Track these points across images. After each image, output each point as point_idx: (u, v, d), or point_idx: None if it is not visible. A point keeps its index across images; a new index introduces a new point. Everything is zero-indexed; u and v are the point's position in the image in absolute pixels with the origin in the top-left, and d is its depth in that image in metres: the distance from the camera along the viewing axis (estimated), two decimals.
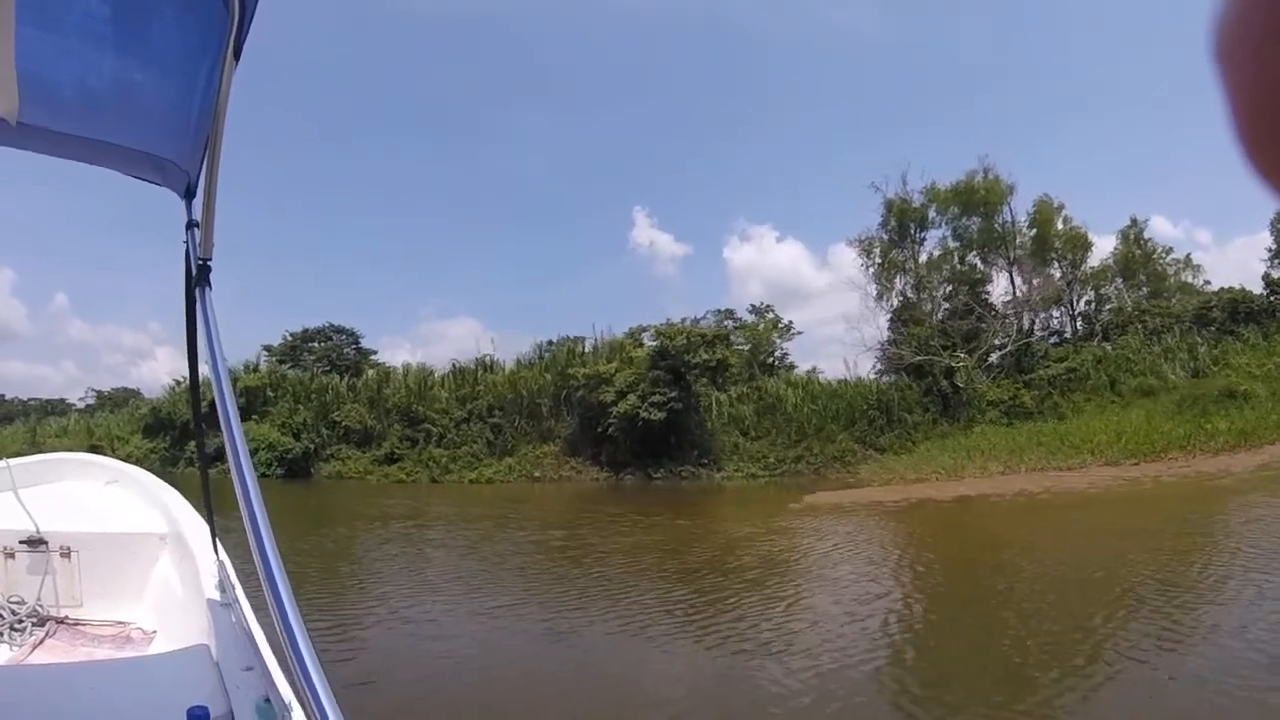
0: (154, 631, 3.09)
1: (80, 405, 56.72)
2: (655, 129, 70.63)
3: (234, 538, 2.49)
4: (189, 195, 2.35)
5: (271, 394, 33.65)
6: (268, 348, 37.20)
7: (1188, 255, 39.78)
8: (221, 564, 2.84)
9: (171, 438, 34.92)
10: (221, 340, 2.03)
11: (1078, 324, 37.16)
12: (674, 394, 27.14)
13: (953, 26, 63.12)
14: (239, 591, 2.67)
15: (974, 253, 35.42)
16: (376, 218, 69.16)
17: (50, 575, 3.33)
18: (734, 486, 25.50)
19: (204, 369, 2.22)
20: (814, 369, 34.85)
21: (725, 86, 70.94)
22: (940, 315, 34.64)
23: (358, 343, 37.90)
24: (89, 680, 2.29)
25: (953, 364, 31.30)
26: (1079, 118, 57.11)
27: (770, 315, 35.81)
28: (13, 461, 4.27)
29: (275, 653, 2.10)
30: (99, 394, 58.42)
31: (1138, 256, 38.18)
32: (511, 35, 73.94)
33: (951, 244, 35.07)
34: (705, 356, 27.55)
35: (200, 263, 2.15)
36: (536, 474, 27.97)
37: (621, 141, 70.73)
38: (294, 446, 31.25)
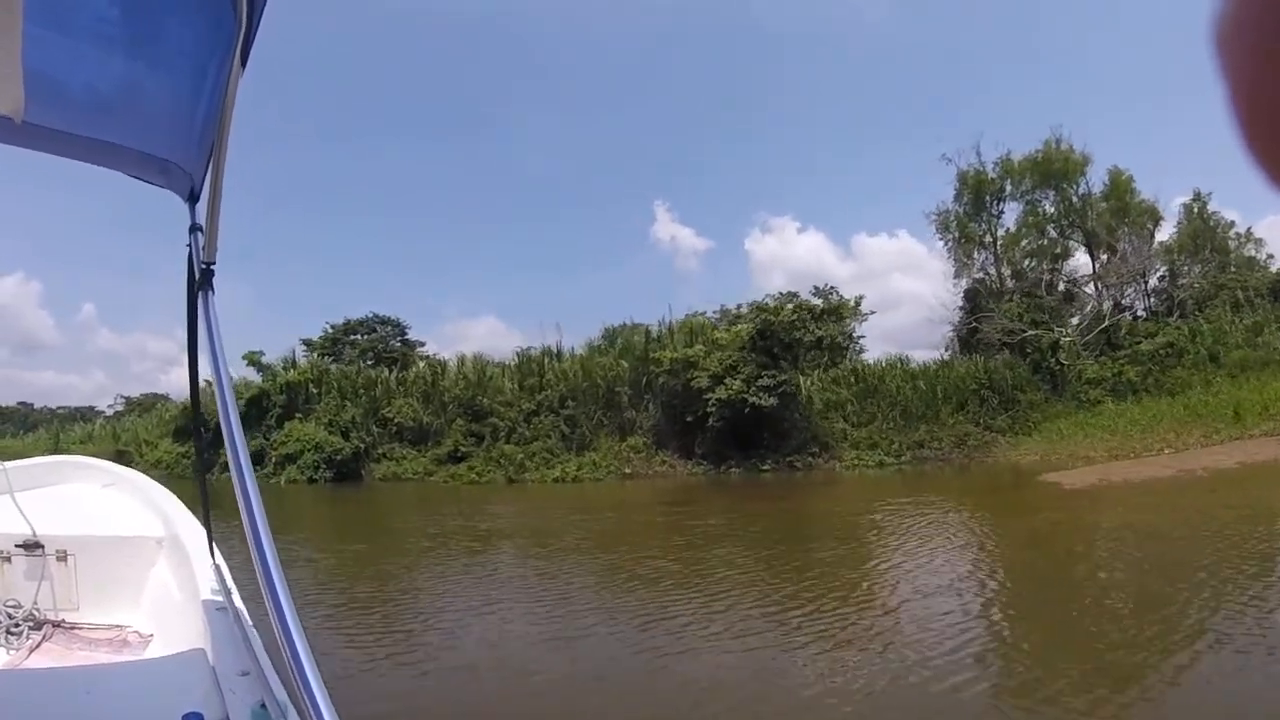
0: (150, 635, 2.68)
1: (109, 412, 49.72)
2: (673, 124, 64.13)
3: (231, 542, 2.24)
4: (193, 199, 2.03)
5: (315, 390, 27.29)
6: (306, 341, 30.74)
7: (1248, 229, 34.69)
8: (218, 568, 2.55)
9: (206, 441, 28.38)
10: (224, 344, 1.67)
11: (1150, 300, 31.99)
12: (784, 376, 21.37)
13: (962, 20, 57.67)
14: (236, 596, 2.32)
15: (1052, 226, 30.07)
16: (395, 219, 62.32)
17: (47, 579, 2.89)
18: (861, 477, 19.72)
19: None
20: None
21: (743, 79, 64.47)
22: (1018, 292, 29.28)
23: (404, 334, 31.48)
24: (85, 684, 2.09)
25: (1060, 339, 25.95)
26: (1087, 107, 52.18)
27: (835, 296, 29.81)
28: (9, 465, 3.65)
29: (272, 658, 1.78)
30: (128, 400, 51.13)
31: (1204, 231, 33.12)
32: (526, 35, 67.38)
33: (1033, 217, 29.68)
34: (820, 332, 21.76)
35: (204, 267, 1.83)
36: (627, 470, 21.95)
37: (640, 137, 64.31)
38: (343, 447, 24.94)
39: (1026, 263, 29.28)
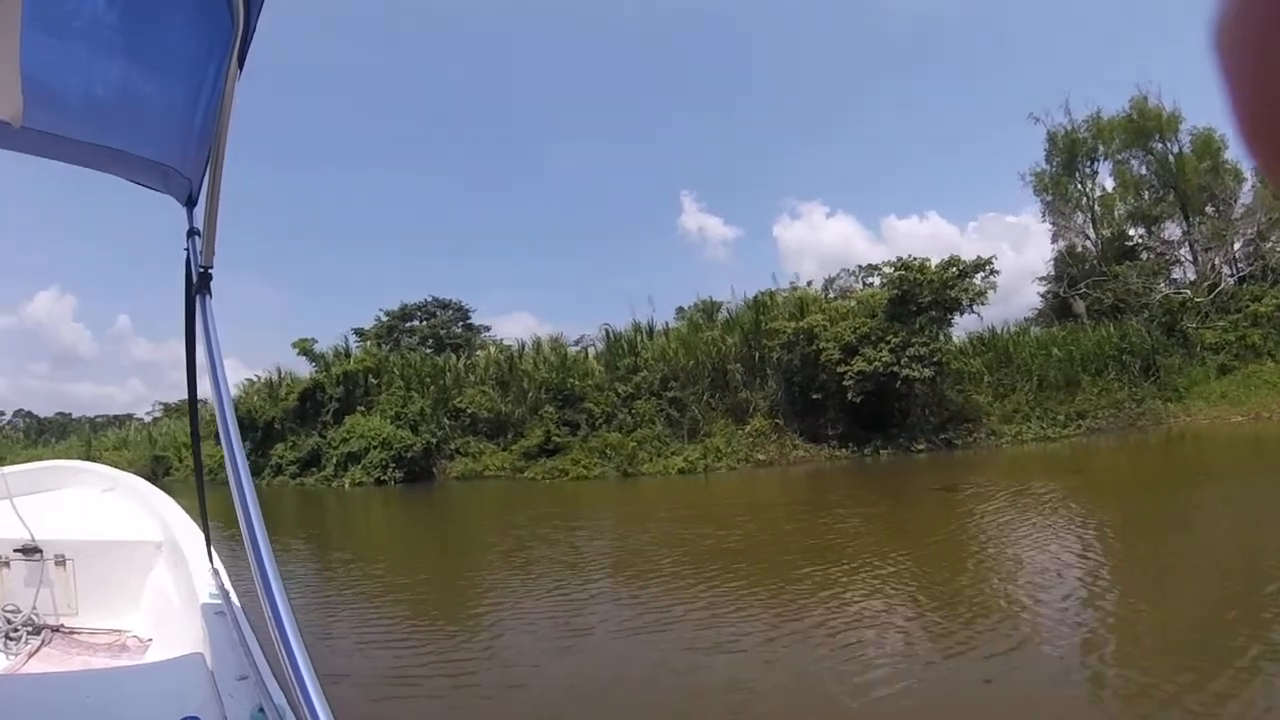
0: (149, 640, 2.34)
1: (148, 419, 43.71)
2: (695, 113, 57.63)
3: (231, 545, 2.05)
4: (190, 203, 1.77)
5: (374, 380, 21.96)
6: (359, 331, 25.32)
7: None
8: (217, 572, 2.24)
9: (252, 441, 22.89)
10: (221, 349, 1.44)
11: (1237, 264, 27.66)
12: (935, 344, 16.53)
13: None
14: (234, 600, 2.02)
15: (1147, 189, 25.59)
16: (420, 221, 55.94)
17: (46, 583, 2.56)
18: (1041, 453, 14.97)
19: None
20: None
21: (763, 63, 57.32)
22: (1120, 254, 24.76)
23: (467, 318, 26.12)
24: (84, 689, 1.89)
25: (1187, 301, 21.45)
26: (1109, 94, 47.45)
27: (918, 263, 24.91)
28: (8, 469, 3.30)
29: (270, 662, 1.57)
30: (165, 407, 45.03)
31: None
32: (549, 30, 61.10)
33: (1128, 176, 25.16)
34: (975, 290, 16.95)
35: (201, 271, 1.59)
36: (761, 456, 16.96)
37: (663, 129, 57.65)
38: (414, 442, 19.67)
39: (1127, 225, 24.70)
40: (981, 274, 17.19)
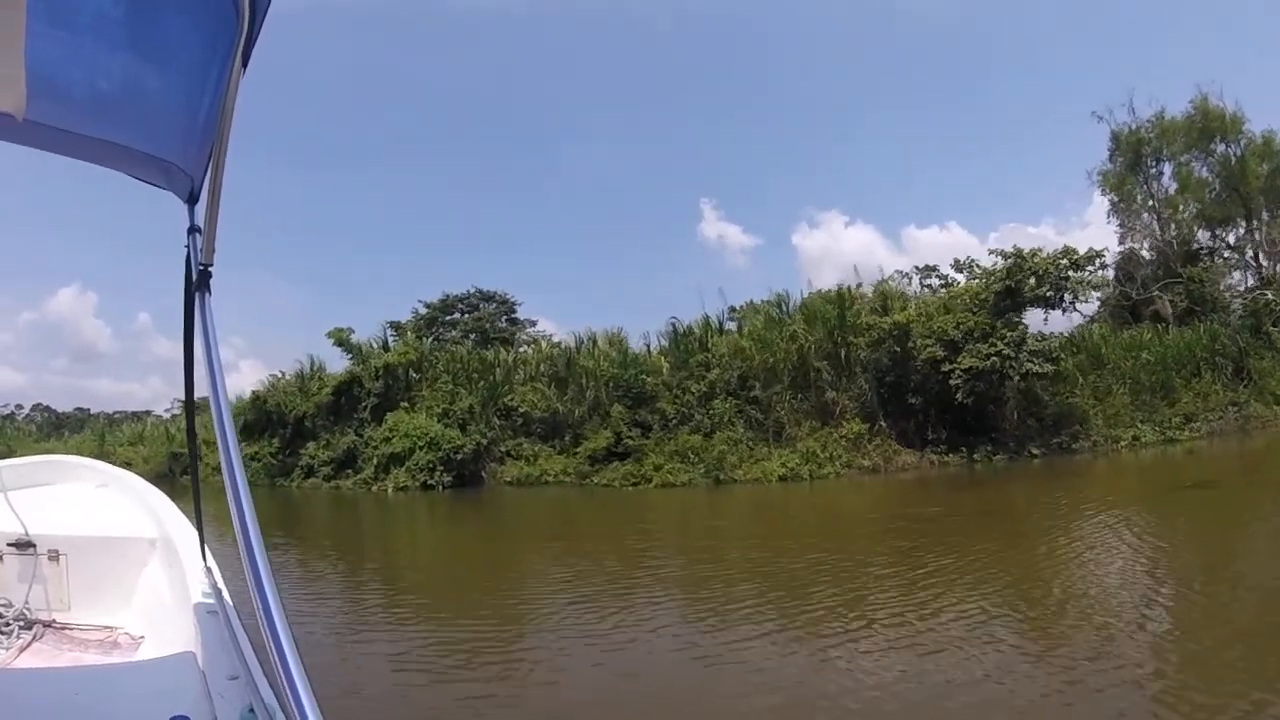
0: (141, 637, 2.17)
1: (167, 416, 40.44)
2: (714, 120, 54.43)
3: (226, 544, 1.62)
4: (192, 200, 1.65)
5: (416, 375, 19.29)
6: (394, 325, 22.54)
7: None
8: (210, 571, 2.08)
9: (281, 439, 20.09)
10: (219, 348, 1.34)
11: None
12: (1052, 339, 14.30)
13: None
14: (227, 599, 1.88)
15: (1209, 191, 23.68)
16: (428, 222, 52.80)
17: (38, 578, 2.37)
18: (1176, 457, 12.75)
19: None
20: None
21: (780, 69, 54.30)
22: (1179, 256, 22.78)
23: (512, 311, 23.43)
24: (74, 685, 1.76)
25: (1271, 304, 19.44)
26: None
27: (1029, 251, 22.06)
28: (3, 464, 3.24)
29: (262, 662, 1.44)
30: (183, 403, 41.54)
31: None
32: (571, 32, 57.57)
33: (1190, 178, 23.22)
34: (1081, 285, 14.76)
35: (201, 268, 1.49)
36: (865, 463, 14.53)
37: (683, 134, 54.56)
38: (463, 443, 17.04)
39: (1195, 227, 22.75)
40: (1091, 267, 14.98)
